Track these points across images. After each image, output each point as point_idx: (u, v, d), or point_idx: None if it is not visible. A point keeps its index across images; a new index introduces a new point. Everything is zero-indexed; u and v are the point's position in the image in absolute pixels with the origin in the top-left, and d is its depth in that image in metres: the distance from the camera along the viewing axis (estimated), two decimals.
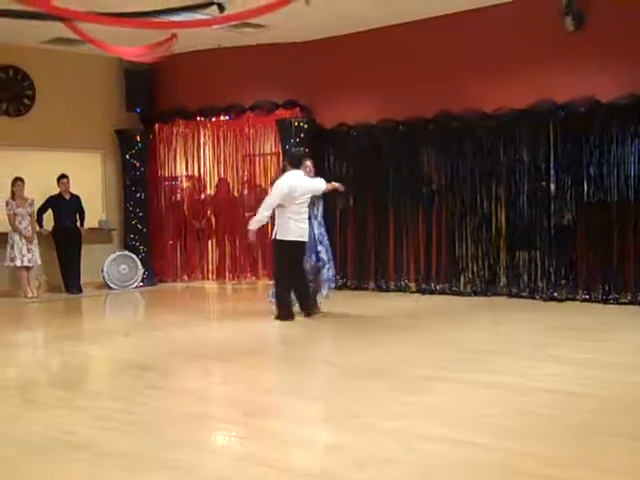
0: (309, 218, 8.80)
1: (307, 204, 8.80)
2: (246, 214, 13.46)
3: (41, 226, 12.13)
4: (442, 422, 4.65)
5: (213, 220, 13.80)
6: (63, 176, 12.21)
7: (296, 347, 7.53)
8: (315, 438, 4.49)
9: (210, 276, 13.79)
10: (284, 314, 8.74)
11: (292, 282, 8.85)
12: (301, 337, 8.06)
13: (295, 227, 8.69)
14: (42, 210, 12.12)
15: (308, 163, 9.11)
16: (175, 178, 13.82)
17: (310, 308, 8.89)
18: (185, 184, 13.86)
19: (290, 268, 8.77)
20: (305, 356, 7.00)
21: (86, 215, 12.44)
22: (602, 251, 9.76)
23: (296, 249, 8.73)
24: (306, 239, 8.75)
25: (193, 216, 13.78)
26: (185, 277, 13.75)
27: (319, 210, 8.95)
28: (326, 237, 9.00)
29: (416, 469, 3.86)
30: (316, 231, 8.83)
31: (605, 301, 9.60)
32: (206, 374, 6.49)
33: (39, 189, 12.04)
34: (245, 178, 13.60)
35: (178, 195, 13.89)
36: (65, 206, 12.23)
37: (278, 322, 8.72)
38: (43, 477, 3.91)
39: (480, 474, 3.78)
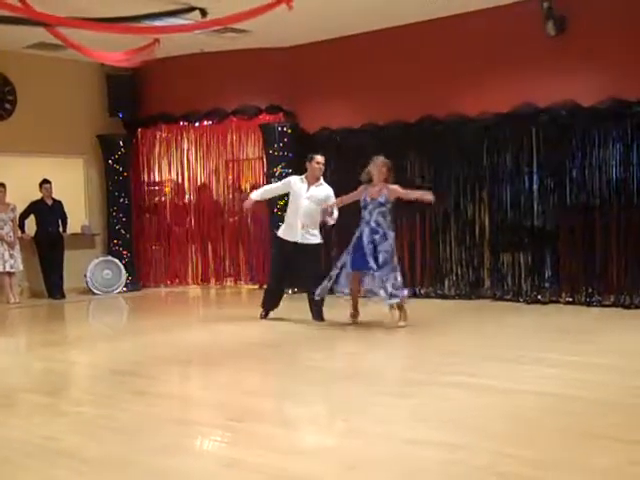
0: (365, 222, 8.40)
1: (312, 209, 8.80)
2: (230, 219, 13.50)
3: (23, 232, 12.06)
4: (428, 425, 4.66)
5: (196, 225, 13.75)
6: (45, 181, 12.15)
7: (281, 351, 7.51)
8: (302, 442, 4.48)
9: (194, 281, 13.75)
10: (267, 311, 9.19)
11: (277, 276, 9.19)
12: (286, 341, 8.04)
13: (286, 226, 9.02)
14: (24, 216, 12.06)
15: (319, 159, 8.97)
16: (158, 183, 13.78)
17: (315, 314, 8.90)
18: (168, 189, 13.81)
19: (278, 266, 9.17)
20: (290, 360, 6.99)
21: (69, 220, 12.39)
22: (585, 254, 9.82)
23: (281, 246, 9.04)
24: (294, 240, 8.81)
25: (176, 221, 13.74)
26: (169, 282, 13.70)
27: (372, 216, 8.31)
28: (389, 247, 8.26)
29: (403, 472, 3.86)
30: (366, 240, 8.28)
31: (588, 303, 9.65)
32: (190, 379, 6.47)
33: (21, 195, 11.95)
34: (228, 183, 13.57)
35: (161, 200, 13.84)
36: (47, 211, 12.18)
37: (263, 323, 8.93)
38: None
39: (467, 476, 3.79)
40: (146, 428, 4.82)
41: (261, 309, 9.25)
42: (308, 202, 8.84)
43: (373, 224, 8.29)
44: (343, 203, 8.79)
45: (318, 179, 8.95)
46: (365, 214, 8.37)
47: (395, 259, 8.34)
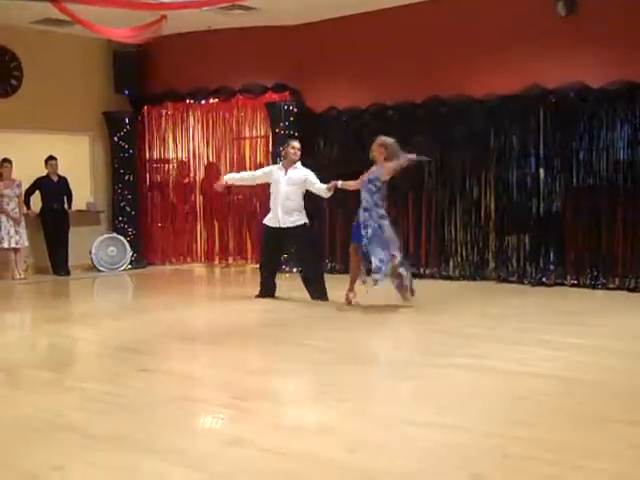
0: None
1: (290, 193, 8.88)
2: (235, 197, 13.48)
3: (28, 208, 12.06)
4: (432, 407, 4.66)
5: (201, 203, 13.75)
6: (51, 158, 12.15)
7: (285, 331, 7.52)
8: (304, 421, 4.49)
9: (199, 259, 13.76)
10: (260, 292, 9.29)
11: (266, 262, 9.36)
12: (290, 321, 8.05)
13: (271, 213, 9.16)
14: (29, 192, 12.06)
15: (295, 144, 9.11)
16: (164, 160, 13.76)
17: (313, 294, 8.97)
18: (173, 166, 13.79)
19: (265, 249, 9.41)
20: (294, 340, 6.99)
21: (74, 197, 12.39)
22: (591, 236, 9.80)
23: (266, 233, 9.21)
24: (277, 225, 8.95)
25: (181, 199, 13.74)
26: (173, 260, 13.71)
27: (362, 195, 8.36)
28: (374, 223, 8.26)
29: (405, 454, 3.87)
30: (361, 217, 8.36)
31: (593, 286, 9.64)
32: (195, 357, 6.48)
33: (26, 171, 11.94)
34: (234, 161, 13.54)
35: (167, 177, 13.82)
36: (53, 188, 12.18)
37: (268, 303, 8.98)
38: (33, 459, 3.89)
39: (470, 458, 3.79)
40: (150, 405, 4.84)
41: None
42: (285, 186, 8.93)
43: (364, 202, 8.36)
44: (345, 187, 8.79)
45: (294, 163, 9.03)
46: (361, 193, 8.45)
47: (386, 235, 8.29)
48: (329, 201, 10.08)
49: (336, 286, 9.02)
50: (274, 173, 9.15)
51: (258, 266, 9.69)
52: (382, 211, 8.35)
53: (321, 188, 8.93)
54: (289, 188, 8.94)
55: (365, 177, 8.41)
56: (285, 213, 8.93)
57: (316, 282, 9.02)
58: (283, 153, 9.26)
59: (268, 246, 9.26)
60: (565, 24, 9.71)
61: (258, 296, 9.25)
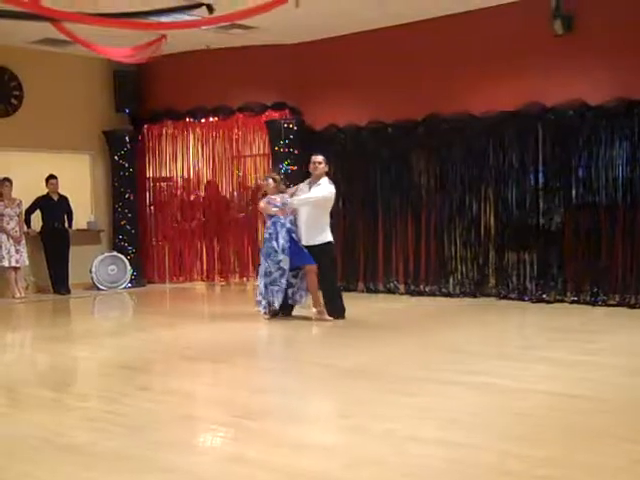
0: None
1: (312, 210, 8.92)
2: (239, 214, 13.50)
3: (29, 227, 12.09)
4: (433, 423, 4.66)
5: (203, 221, 13.77)
6: (52, 177, 12.18)
7: (286, 348, 7.53)
8: (305, 439, 4.49)
9: (199, 277, 13.76)
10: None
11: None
12: (290, 338, 8.06)
13: None
14: (30, 211, 12.09)
15: (314, 158, 9.09)
16: (164, 179, 13.80)
17: (331, 311, 8.92)
18: (174, 184, 13.81)
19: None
20: (295, 357, 7.00)
21: (74, 216, 12.41)
22: (590, 253, 9.80)
23: None
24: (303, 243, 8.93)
25: (182, 217, 13.76)
26: (174, 278, 13.72)
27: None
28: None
29: (406, 470, 3.86)
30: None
31: (593, 303, 9.64)
32: (196, 375, 6.47)
33: (27, 190, 11.99)
34: (234, 179, 13.58)
35: (167, 196, 13.85)
36: (53, 207, 12.21)
37: (272, 320, 8.96)
38: (33, 478, 3.88)
39: (471, 475, 3.79)
40: (152, 424, 4.83)
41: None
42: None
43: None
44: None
45: (319, 178, 8.95)
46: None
47: None
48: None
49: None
50: (302, 190, 9.05)
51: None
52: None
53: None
54: (308, 207, 8.86)
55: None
56: (308, 231, 8.85)
57: (334, 299, 8.88)
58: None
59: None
60: (563, 42, 9.76)
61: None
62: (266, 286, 8.89)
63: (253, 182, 13.34)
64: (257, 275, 9.21)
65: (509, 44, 10.25)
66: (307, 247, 8.86)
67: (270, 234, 8.87)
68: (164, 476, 3.85)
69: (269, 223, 8.97)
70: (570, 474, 3.75)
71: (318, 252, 8.86)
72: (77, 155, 13.09)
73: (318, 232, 8.89)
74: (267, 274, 8.85)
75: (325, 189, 8.90)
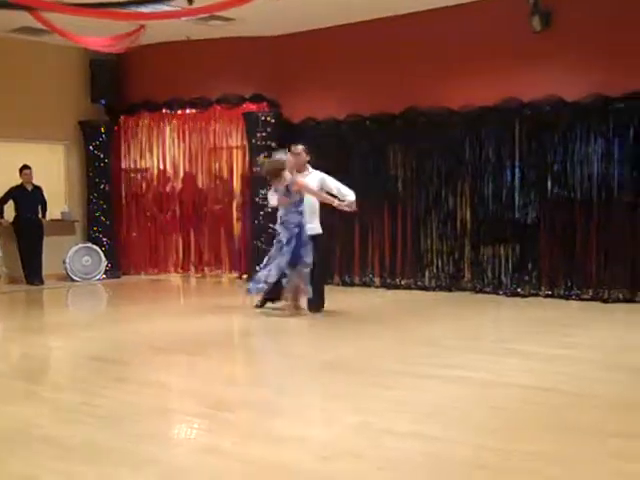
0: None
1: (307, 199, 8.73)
2: (215, 207, 13.44)
3: (2, 217, 11.98)
4: (409, 417, 4.67)
5: (178, 213, 13.70)
6: (25, 167, 12.05)
7: (262, 341, 7.52)
8: (281, 431, 4.48)
9: (174, 269, 13.70)
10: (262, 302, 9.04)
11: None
12: (266, 331, 8.05)
13: None
14: (3, 201, 11.98)
15: (293, 149, 8.92)
16: (140, 171, 13.71)
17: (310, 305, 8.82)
18: (150, 176, 13.72)
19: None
20: (271, 350, 7.00)
21: (48, 206, 12.30)
22: (565, 248, 9.89)
23: None
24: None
25: (158, 209, 13.68)
26: (149, 270, 13.65)
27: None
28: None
29: (382, 463, 3.87)
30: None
31: (567, 297, 9.73)
32: (171, 367, 6.45)
33: (0, 180, 11.85)
34: (211, 171, 13.52)
35: (143, 187, 13.77)
36: (27, 197, 12.09)
37: (245, 312, 8.92)
38: (6, 469, 3.85)
39: (446, 469, 3.80)
40: (126, 415, 4.80)
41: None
42: (300, 193, 8.71)
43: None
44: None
45: (301, 167, 8.85)
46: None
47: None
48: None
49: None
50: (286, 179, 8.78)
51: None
52: None
53: (347, 194, 8.72)
54: (305, 195, 8.66)
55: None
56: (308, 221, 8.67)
57: (318, 293, 8.76)
58: None
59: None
60: (541, 38, 9.80)
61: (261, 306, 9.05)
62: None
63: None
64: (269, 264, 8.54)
65: (488, 39, 10.29)
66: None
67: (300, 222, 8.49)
68: (139, 467, 3.83)
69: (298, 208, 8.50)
70: (544, 468, 3.77)
71: (314, 242, 8.74)
72: (51, 145, 12.98)
73: (316, 221, 8.80)
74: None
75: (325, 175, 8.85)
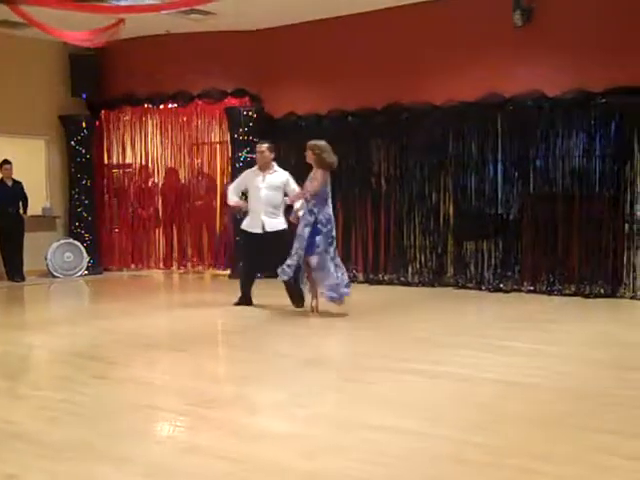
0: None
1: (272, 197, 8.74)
2: (197, 202, 13.39)
3: None
4: (392, 412, 4.67)
5: (160, 208, 13.64)
6: (5, 162, 11.94)
7: (245, 337, 7.49)
8: (263, 428, 4.46)
9: (157, 265, 13.64)
10: (240, 299, 9.04)
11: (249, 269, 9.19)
12: (250, 327, 8.01)
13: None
14: None
15: (259, 147, 8.98)
16: (122, 165, 13.63)
17: (295, 300, 8.82)
18: (132, 171, 13.65)
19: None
20: (254, 346, 6.96)
21: (29, 202, 12.20)
22: (547, 243, 9.92)
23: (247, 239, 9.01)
24: (260, 231, 8.75)
25: (140, 204, 13.61)
26: (131, 266, 13.58)
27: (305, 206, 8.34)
28: (304, 229, 8.22)
29: (366, 459, 3.86)
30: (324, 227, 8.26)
31: (549, 292, 9.76)
32: (152, 363, 6.40)
33: None
34: (193, 167, 13.45)
35: (125, 183, 13.69)
36: (7, 192, 11.97)
37: (227, 309, 8.89)
38: None
39: (429, 464, 3.80)
40: (107, 413, 4.77)
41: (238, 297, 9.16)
42: (267, 190, 8.79)
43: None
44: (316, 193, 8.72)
45: (267, 165, 8.87)
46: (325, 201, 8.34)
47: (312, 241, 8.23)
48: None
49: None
50: (250, 178, 8.93)
51: (241, 273, 9.40)
52: (310, 218, 8.28)
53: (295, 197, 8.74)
54: (271, 193, 8.76)
55: (318, 187, 8.27)
56: (269, 218, 8.76)
57: (297, 287, 8.76)
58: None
59: (251, 253, 9.04)
60: (522, 34, 9.82)
61: (237, 304, 9.02)
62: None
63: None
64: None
65: (470, 35, 10.29)
66: (267, 233, 8.76)
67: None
68: (119, 465, 3.80)
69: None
70: (524, 462, 3.77)
71: (280, 238, 8.80)
72: (32, 140, 12.87)
73: (281, 217, 8.85)
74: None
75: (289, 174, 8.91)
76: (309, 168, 8.86)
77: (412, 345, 6.80)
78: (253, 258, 9.10)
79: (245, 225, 8.97)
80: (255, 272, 9.23)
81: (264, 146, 8.95)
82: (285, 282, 8.64)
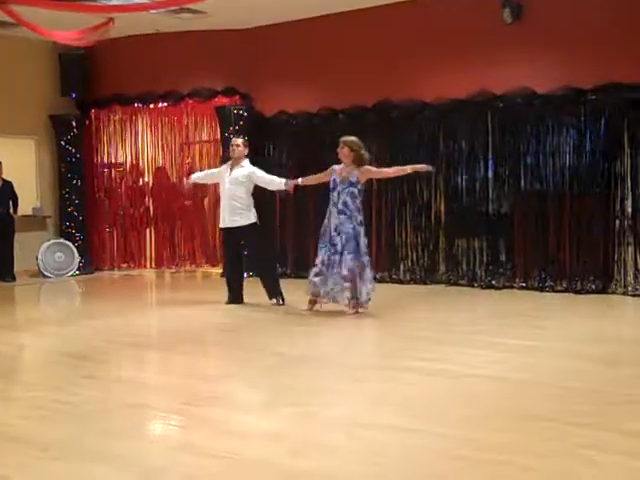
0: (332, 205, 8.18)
1: (235, 191, 8.77)
2: (186, 202, 13.37)
3: None
4: (385, 409, 4.67)
5: (151, 208, 13.61)
6: None
7: (237, 336, 7.47)
8: (256, 426, 4.45)
9: (148, 264, 13.61)
10: (229, 298, 9.04)
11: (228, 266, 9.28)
12: (242, 325, 8.00)
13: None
14: None
15: (234, 141, 9.06)
16: (112, 165, 13.59)
17: (271, 295, 8.87)
18: (122, 171, 13.61)
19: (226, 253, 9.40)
20: (246, 344, 6.96)
21: (19, 202, 12.15)
22: (538, 240, 9.93)
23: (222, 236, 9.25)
24: (225, 226, 8.86)
25: (131, 204, 13.58)
26: (123, 265, 13.55)
27: (341, 198, 8.09)
28: (348, 226, 8.05)
29: (358, 456, 3.86)
30: (333, 222, 8.11)
31: (541, 289, 9.77)
32: (144, 363, 6.40)
33: None
34: (183, 165, 13.42)
35: (115, 182, 13.65)
36: None
37: (219, 307, 8.89)
38: None
39: (422, 460, 3.80)
40: (99, 412, 4.75)
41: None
42: (229, 185, 8.83)
43: (340, 205, 8.10)
44: (306, 183, 8.81)
45: (238, 160, 8.93)
46: (334, 196, 8.19)
47: (361, 242, 8.13)
48: (282, 203, 10.05)
49: (291, 289, 9.00)
50: (222, 173, 9.08)
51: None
52: (361, 217, 8.19)
53: (273, 181, 8.87)
54: (233, 187, 8.81)
55: (338, 177, 8.20)
56: (231, 213, 8.80)
57: (271, 282, 8.92)
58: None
59: (226, 249, 9.23)
60: (512, 31, 9.83)
61: (228, 302, 9.01)
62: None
63: None
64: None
65: (460, 32, 10.29)
66: (234, 229, 8.78)
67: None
68: (111, 464, 3.79)
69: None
70: (518, 458, 3.78)
71: (248, 233, 8.81)
72: (22, 140, 12.82)
73: (247, 213, 8.84)
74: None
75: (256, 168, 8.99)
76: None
77: (405, 343, 6.80)
78: (228, 254, 9.21)
79: (220, 222, 9.11)
80: (235, 268, 9.14)
81: (239, 140, 9.08)
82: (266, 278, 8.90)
